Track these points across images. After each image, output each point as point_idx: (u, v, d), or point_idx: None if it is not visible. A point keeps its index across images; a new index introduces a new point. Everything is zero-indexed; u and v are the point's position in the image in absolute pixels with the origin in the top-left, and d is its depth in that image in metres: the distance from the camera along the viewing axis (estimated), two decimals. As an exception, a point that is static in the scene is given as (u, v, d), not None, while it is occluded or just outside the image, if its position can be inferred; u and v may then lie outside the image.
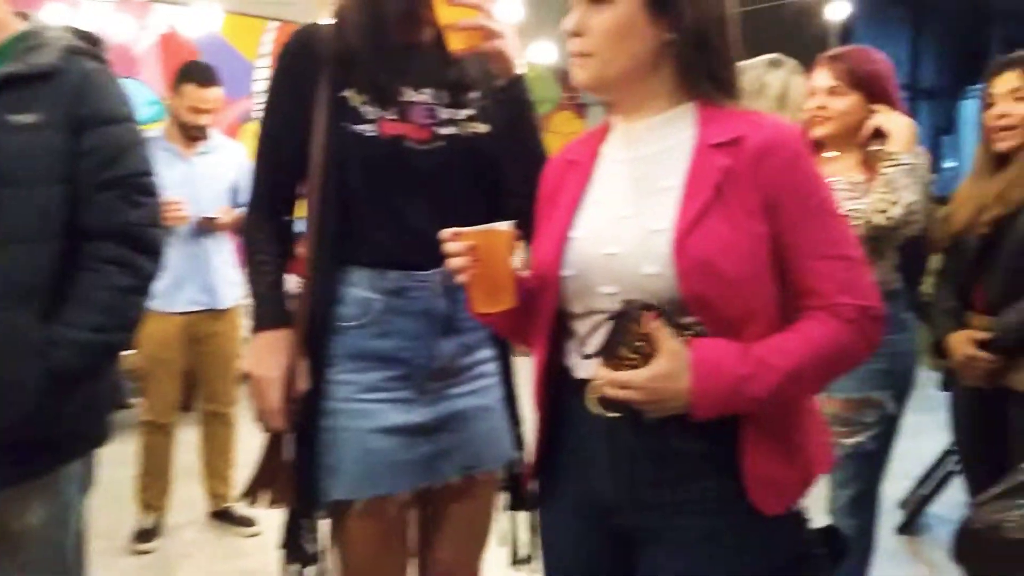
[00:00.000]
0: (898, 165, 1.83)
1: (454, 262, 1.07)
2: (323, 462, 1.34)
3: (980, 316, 1.95)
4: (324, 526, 1.40)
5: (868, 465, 1.97)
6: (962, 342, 1.94)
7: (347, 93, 1.33)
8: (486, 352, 1.44)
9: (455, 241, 1.07)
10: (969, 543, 0.85)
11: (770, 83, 1.63)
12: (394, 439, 1.34)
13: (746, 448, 1.00)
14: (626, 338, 0.97)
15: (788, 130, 1.04)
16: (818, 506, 2.02)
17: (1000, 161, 1.97)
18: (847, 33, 13.50)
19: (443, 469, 1.38)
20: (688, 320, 1.00)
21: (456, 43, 1.22)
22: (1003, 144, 1.94)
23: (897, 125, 1.89)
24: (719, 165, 1.00)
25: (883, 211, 1.82)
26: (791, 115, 1.65)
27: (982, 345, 1.90)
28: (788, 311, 1.02)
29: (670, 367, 0.95)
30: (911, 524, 3.04)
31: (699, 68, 1.05)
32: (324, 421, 1.35)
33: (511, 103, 1.32)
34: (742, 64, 1.69)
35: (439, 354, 1.37)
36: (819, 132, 2.00)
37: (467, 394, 1.41)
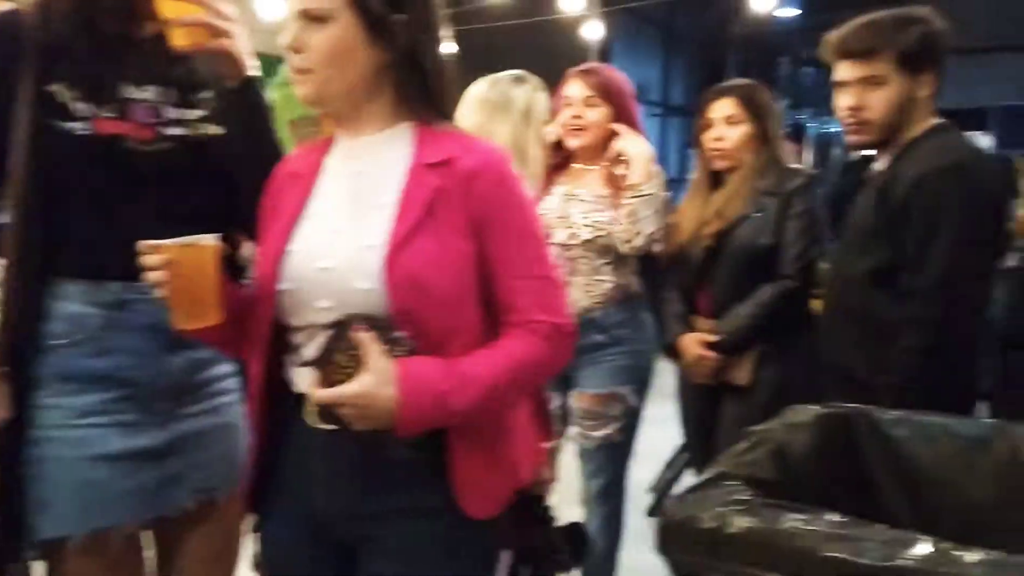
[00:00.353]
0: (640, 196, 2.00)
1: (151, 276, 1.04)
2: (32, 496, 1.21)
3: (705, 320, 2.15)
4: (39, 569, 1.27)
5: (615, 455, 2.12)
6: (691, 344, 2.13)
7: (55, 87, 1.20)
8: (223, 368, 1.36)
9: (152, 254, 1.03)
10: (669, 534, 0.92)
11: (515, 99, 1.70)
12: (116, 466, 1.24)
13: (455, 457, 1.06)
14: (338, 352, 0.99)
15: (496, 154, 1.11)
16: (572, 498, 2.16)
17: (716, 179, 2.19)
18: (604, 54, 14.40)
19: (176, 495, 1.30)
20: (399, 335, 1.02)
21: (179, 40, 1.14)
22: (719, 164, 2.15)
23: (638, 153, 2.05)
24: (431, 184, 1.05)
25: (628, 241, 2.01)
26: (535, 131, 1.74)
27: (709, 346, 2.10)
28: (492, 327, 1.08)
29: (375, 382, 0.97)
30: (659, 507, 3.30)
31: (415, 90, 1.10)
32: (32, 451, 1.22)
33: (244, 106, 1.27)
34: (489, 78, 1.75)
35: (167, 371, 1.28)
36: (574, 142, 2.13)
37: (202, 413, 1.33)
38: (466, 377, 1.00)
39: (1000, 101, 14.75)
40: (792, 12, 15.18)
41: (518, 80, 1.73)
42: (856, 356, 1.68)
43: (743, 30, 14.15)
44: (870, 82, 1.65)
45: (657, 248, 2.07)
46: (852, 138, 1.72)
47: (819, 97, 14.24)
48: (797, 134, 12.44)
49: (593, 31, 6.81)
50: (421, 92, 1.09)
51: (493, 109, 1.69)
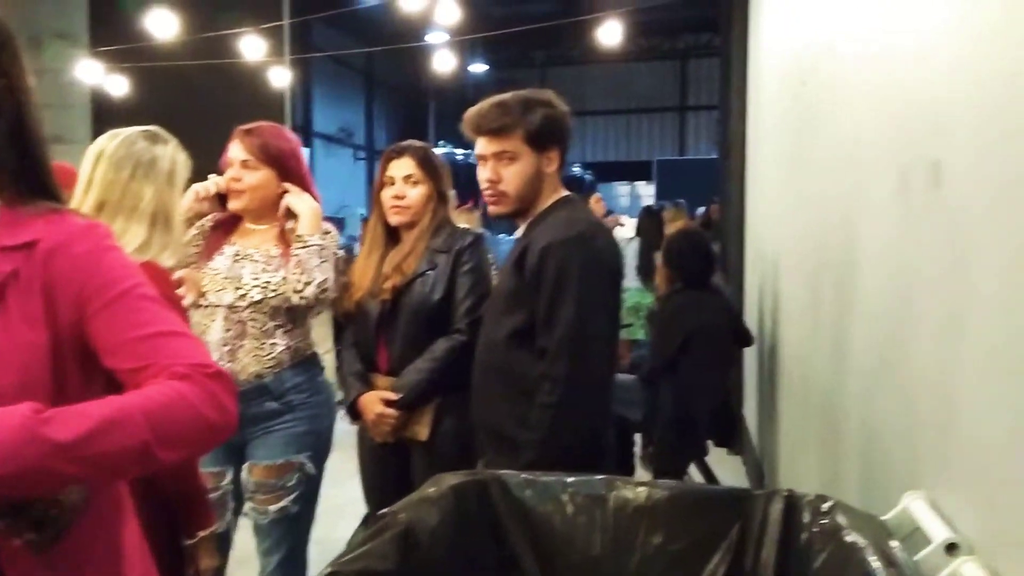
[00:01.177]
0: (308, 247, 1.96)
1: None
2: None
3: (384, 377, 2.15)
4: None
5: (294, 528, 2.02)
6: (371, 402, 2.11)
7: None
8: None
9: None
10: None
11: (160, 157, 1.58)
12: None
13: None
14: None
15: (86, 228, 1.01)
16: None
17: (392, 234, 2.22)
18: (308, 97, 14.24)
19: None
20: None
21: None
22: (396, 219, 2.19)
23: (304, 207, 2.02)
24: (3, 270, 0.94)
25: (298, 291, 1.95)
26: (178, 194, 1.63)
27: (388, 403, 2.10)
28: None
29: None
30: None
31: (12, 163, 0.97)
32: None
33: None
34: (119, 133, 1.62)
35: None
36: (234, 205, 2.06)
37: None
38: (68, 411, 0.85)
39: (660, 156, 16.94)
40: (482, 67, 16.30)
41: (156, 138, 1.61)
42: (502, 412, 1.77)
43: (437, 82, 14.81)
44: (503, 157, 1.78)
45: (329, 300, 2.04)
46: (492, 208, 1.85)
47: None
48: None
49: (280, 78, 6.67)
50: (19, 165, 0.97)
51: (135, 168, 1.56)
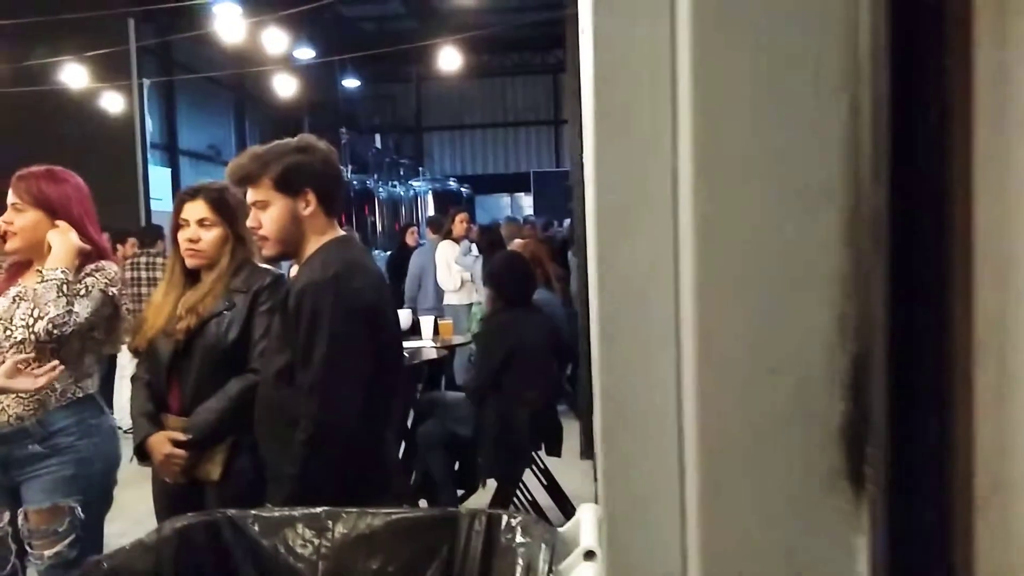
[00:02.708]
0: (45, 281, 1.99)
1: None
2: None
3: (176, 417, 2.19)
4: None
5: (73, 573, 2.03)
6: (159, 443, 2.14)
7: None
8: None
9: None
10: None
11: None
12: None
13: None
14: None
15: None
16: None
17: (189, 275, 2.26)
18: (172, 115, 13.86)
19: None
20: None
21: None
22: (191, 263, 2.23)
23: (57, 242, 2.06)
24: None
25: (28, 326, 1.98)
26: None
27: (178, 444, 2.13)
28: None
29: None
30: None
31: None
32: None
33: None
34: None
35: None
36: (8, 247, 2.09)
37: None
38: None
39: (538, 168, 17.33)
40: (354, 83, 16.26)
41: None
42: (275, 448, 1.86)
43: (314, 97, 14.67)
44: (258, 204, 1.87)
45: (62, 333, 2.02)
46: (263, 252, 1.93)
47: (381, 162, 15.36)
48: (367, 197, 13.25)
49: (112, 103, 6.53)
50: None
51: None
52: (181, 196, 2.31)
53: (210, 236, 2.21)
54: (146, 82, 8.83)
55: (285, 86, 12.03)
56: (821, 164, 0.53)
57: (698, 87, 0.49)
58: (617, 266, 0.55)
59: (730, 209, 0.52)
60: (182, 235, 2.22)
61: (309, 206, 1.89)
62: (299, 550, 1.36)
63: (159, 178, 11.56)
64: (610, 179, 0.53)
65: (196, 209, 2.22)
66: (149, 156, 10.28)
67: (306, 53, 11.17)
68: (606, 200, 0.53)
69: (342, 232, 1.98)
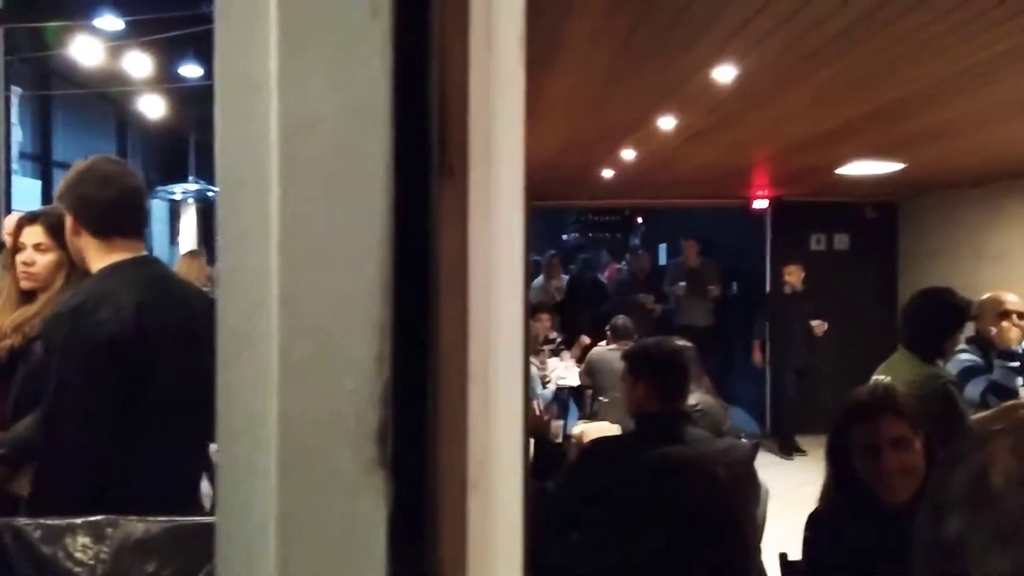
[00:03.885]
0: None
1: None
2: None
3: (-3, 433, 2.23)
4: None
5: None
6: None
7: None
8: None
9: None
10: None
11: None
12: None
13: None
14: None
15: None
16: None
17: (26, 295, 2.31)
18: (47, 125, 13.32)
19: None
20: None
21: None
22: (25, 285, 2.29)
23: None
24: None
25: None
26: None
27: (-2, 459, 2.18)
28: None
29: None
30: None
31: None
32: None
33: None
34: None
35: None
36: None
37: None
38: None
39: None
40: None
41: None
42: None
43: (200, 113, 14.40)
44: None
45: None
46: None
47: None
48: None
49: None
50: None
51: None
52: (20, 220, 2.36)
53: (45, 260, 2.28)
54: (17, 92, 8.54)
55: (167, 103, 11.80)
56: (364, 233, 0.72)
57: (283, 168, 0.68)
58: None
59: (308, 269, 0.71)
60: (19, 258, 2.28)
61: (75, 232, 1.96)
62: (78, 555, 1.47)
63: (29, 190, 11.11)
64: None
65: (33, 234, 2.29)
66: (19, 167, 9.89)
67: (193, 71, 10.99)
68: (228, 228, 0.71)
69: (130, 256, 1.96)
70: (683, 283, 8.43)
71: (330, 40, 0.73)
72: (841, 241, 8.10)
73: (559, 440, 3.23)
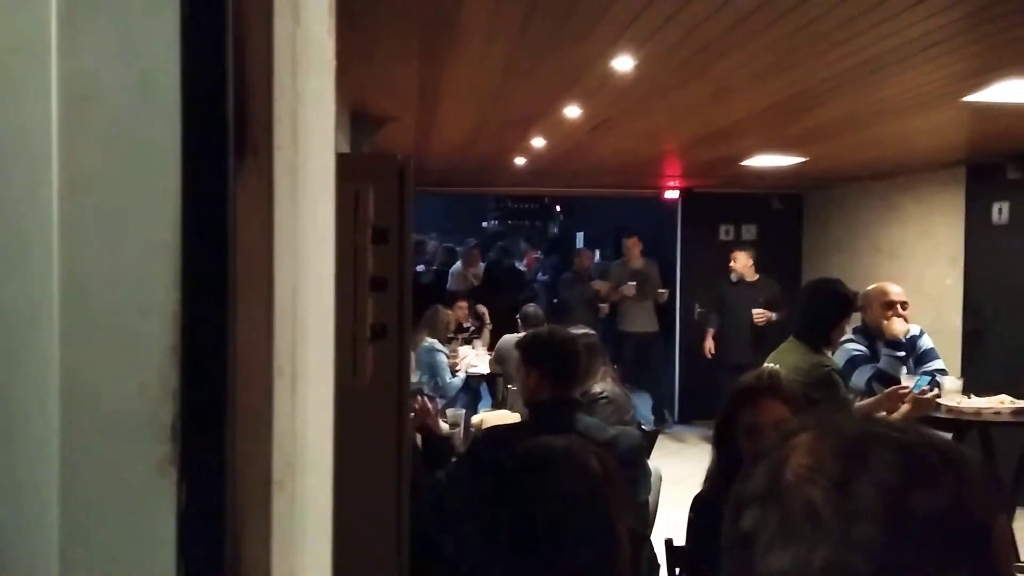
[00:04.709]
0: None
1: None
2: None
3: None
4: None
5: None
6: None
7: None
8: None
9: None
10: None
11: None
12: None
13: None
14: None
15: None
16: None
17: None
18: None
19: None
20: None
21: None
22: None
23: None
24: None
25: None
26: None
27: None
28: None
29: None
30: None
31: None
32: None
33: None
34: None
35: None
36: None
37: None
38: None
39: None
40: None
41: None
42: None
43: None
44: None
45: None
46: None
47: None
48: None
49: None
50: None
51: None
52: None
53: None
54: None
55: None
56: (154, 215, 0.67)
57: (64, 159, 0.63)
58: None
59: (95, 259, 0.66)
60: None
61: None
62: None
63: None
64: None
65: None
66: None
67: None
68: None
69: None
70: (632, 283, 7.64)
71: (115, 7, 0.68)
72: (749, 231, 8.30)
73: (446, 432, 3.19)
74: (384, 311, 1.75)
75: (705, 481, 2.22)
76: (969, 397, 4.01)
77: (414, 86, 3.89)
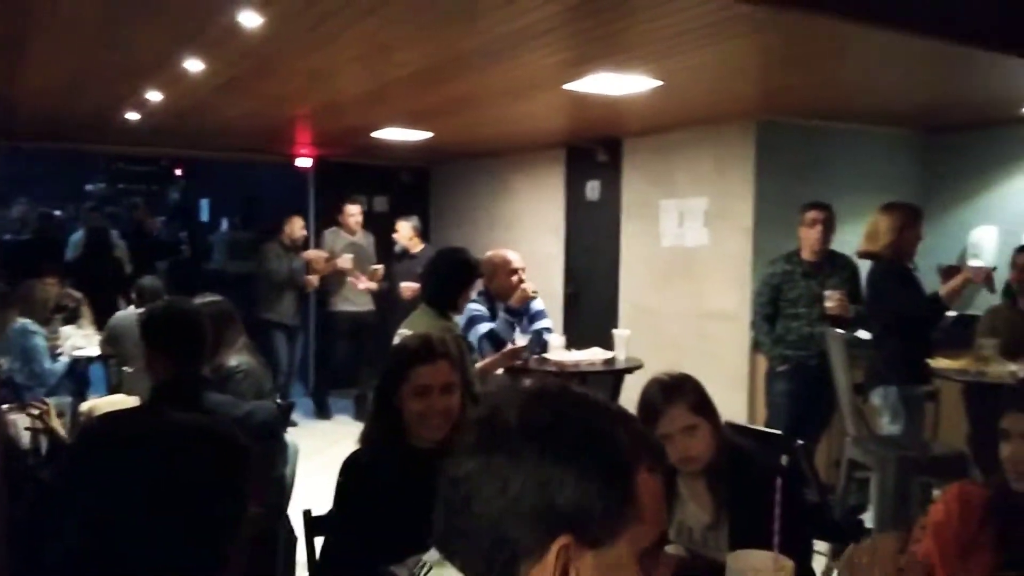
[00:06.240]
0: None
1: None
2: None
3: None
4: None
5: None
6: None
7: None
8: None
9: None
10: None
11: None
12: None
13: None
14: None
15: None
16: None
17: None
18: None
19: None
20: None
21: None
22: None
23: None
24: None
25: None
26: None
27: None
28: None
29: None
30: None
31: None
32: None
33: None
34: None
35: None
36: None
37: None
38: None
39: None
40: None
41: None
42: None
43: None
44: None
45: None
46: None
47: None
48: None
49: None
50: None
51: None
52: None
53: None
54: None
55: None
56: None
57: None
58: None
59: None
60: None
61: None
62: None
63: None
64: None
65: None
66: None
67: None
68: None
69: None
70: (349, 255, 7.07)
71: None
72: (380, 203, 8.47)
73: (45, 426, 2.77)
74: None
75: (360, 439, 2.23)
76: (570, 351, 4.55)
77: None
